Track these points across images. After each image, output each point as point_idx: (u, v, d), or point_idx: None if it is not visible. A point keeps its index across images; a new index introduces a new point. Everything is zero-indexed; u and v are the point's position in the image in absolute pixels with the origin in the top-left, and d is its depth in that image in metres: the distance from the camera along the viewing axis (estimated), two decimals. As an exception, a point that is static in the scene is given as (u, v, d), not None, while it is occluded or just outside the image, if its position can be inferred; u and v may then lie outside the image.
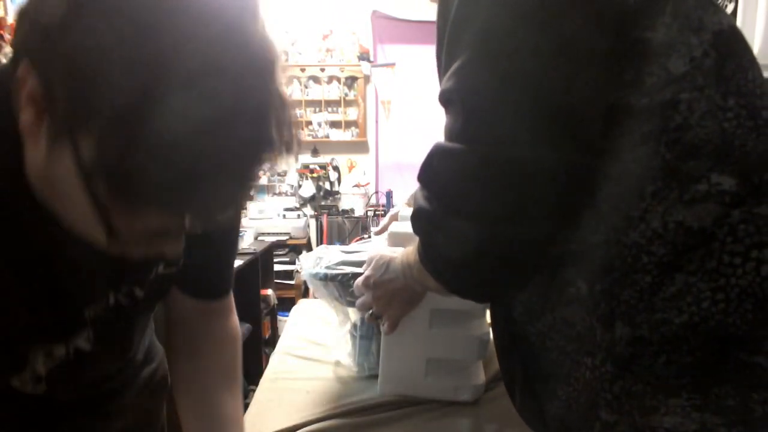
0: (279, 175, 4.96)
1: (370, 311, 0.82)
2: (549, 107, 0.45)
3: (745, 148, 0.44)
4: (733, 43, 0.48)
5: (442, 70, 0.54)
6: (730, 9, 2.35)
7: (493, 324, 0.62)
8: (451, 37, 0.50)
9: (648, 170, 0.44)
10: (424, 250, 0.56)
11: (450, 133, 0.50)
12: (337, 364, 1.02)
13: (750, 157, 0.44)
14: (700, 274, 0.42)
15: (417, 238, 0.60)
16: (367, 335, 0.93)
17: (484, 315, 0.87)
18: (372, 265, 0.78)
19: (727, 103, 0.45)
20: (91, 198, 0.40)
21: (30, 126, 0.41)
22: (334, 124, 4.97)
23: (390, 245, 0.85)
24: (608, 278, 0.45)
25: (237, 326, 0.80)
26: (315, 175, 4.97)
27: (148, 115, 0.36)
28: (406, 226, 0.87)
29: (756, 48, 2.06)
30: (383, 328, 0.83)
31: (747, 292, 0.41)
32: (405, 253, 0.73)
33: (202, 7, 0.39)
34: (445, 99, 0.50)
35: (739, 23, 2.19)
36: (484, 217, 0.47)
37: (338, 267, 0.90)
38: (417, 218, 0.55)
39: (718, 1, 2.38)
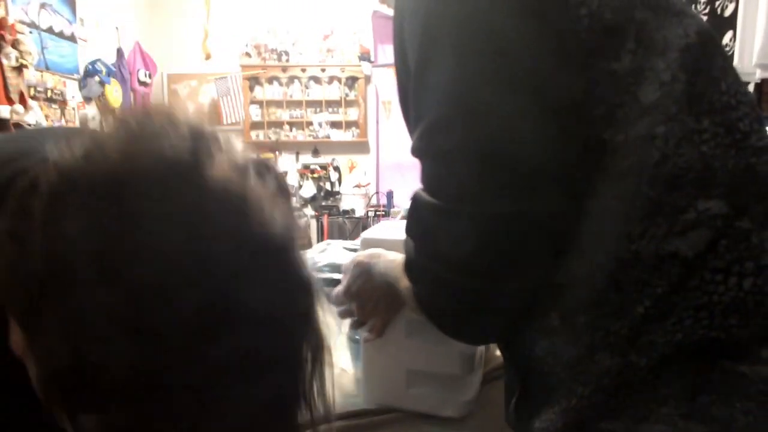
0: (280, 175, 4.96)
1: (354, 319, 0.81)
2: (525, 163, 0.44)
3: (727, 167, 0.43)
4: (701, 54, 0.46)
5: (410, 113, 0.54)
6: (730, 9, 2.35)
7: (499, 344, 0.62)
8: (416, 84, 0.49)
9: (631, 208, 0.43)
10: (418, 299, 0.56)
11: (430, 188, 0.50)
12: (342, 371, 1.01)
13: (735, 176, 0.43)
14: (683, 293, 0.42)
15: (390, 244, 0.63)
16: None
17: None
18: (351, 273, 0.75)
19: (701, 125, 0.44)
20: None
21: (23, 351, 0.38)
22: (335, 125, 4.97)
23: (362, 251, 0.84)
24: (594, 311, 0.45)
25: None
26: (315, 175, 4.97)
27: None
28: (378, 232, 0.87)
29: (756, 48, 2.06)
30: (365, 335, 0.82)
31: (731, 308, 0.41)
32: (389, 261, 0.70)
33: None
34: (419, 156, 0.51)
35: (739, 23, 2.19)
36: (476, 273, 0.47)
37: (324, 269, 0.87)
38: (409, 270, 0.55)
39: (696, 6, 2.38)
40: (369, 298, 0.75)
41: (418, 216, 0.51)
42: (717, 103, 0.45)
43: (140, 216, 0.31)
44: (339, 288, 0.78)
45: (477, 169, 0.45)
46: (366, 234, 0.87)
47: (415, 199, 0.51)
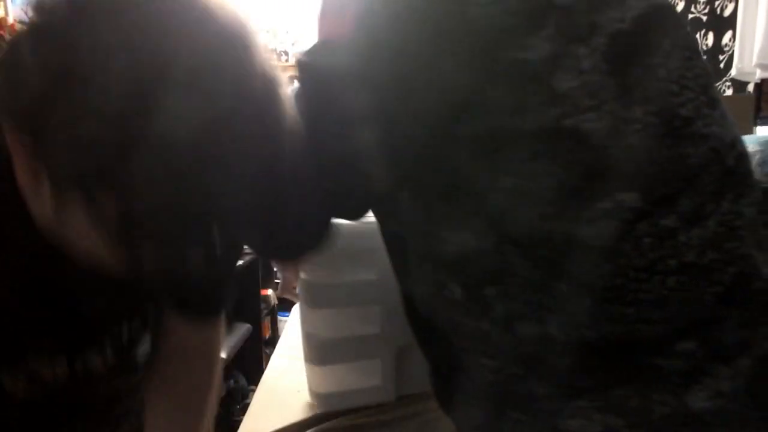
0: (279, 175, 4.95)
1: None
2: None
3: (658, 159, 0.42)
4: (636, 41, 0.43)
5: None
6: (730, 9, 2.36)
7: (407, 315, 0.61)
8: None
9: (543, 190, 0.42)
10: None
11: None
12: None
13: (662, 168, 0.42)
14: (603, 289, 0.41)
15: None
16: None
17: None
18: None
19: (633, 114, 0.42)
20: (108, 240, 0.40)
21: (29, 184, 0.42)
22: (335, 124, 4.95)
23: (317, 305, 0.84)
24: (504, 282, 0.44)
25: None
26: (315, 175, 4.96)
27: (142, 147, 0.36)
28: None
29: (756, 48, 2.06)
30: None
31: (654, 305, 0.41)
32: None
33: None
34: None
35: (739, 23, 2.19)
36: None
37: None
38: None
39: None
40: None
41: None
42: (653, 90, 0.42)
43: None
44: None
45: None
46: (312, 279, 0.84)
47: None
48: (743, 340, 0.40)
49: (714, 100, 0.44)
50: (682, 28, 0.46)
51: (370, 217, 0.69)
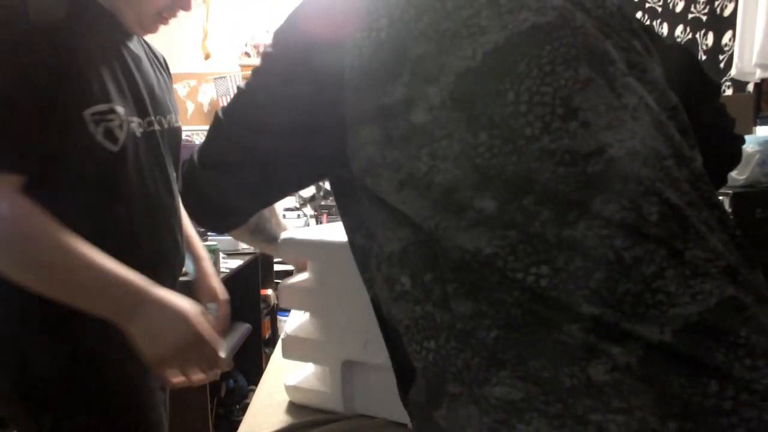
0: (279, 175, 4.96)
1: None
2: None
3: (505, 174, 0.47)
4: (488, 70, 0.49)
5: None
6: (730, 9, 2.36)
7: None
8: None
9: (420, 209, 0.49)
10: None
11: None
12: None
13: (511, 181, 0.47)
14: (487, 291, 0.46)
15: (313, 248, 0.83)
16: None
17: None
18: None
19: (478, 139, 0.47)
20: None
21: None
22: (334, 124, 4.96)
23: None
24: (437, 270, 0.49)
25: None
26: (315, 175, 4.96)
27: None
28: (300, 233, 0.88)
29: (756, 48, 2.06)
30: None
31: (535, 297, 0.45)
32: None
33: None
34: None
35: (738, 23, 2.19)
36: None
37: None
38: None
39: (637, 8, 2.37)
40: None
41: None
42: (497, 116, 0.48)
43: None
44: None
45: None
46: (286, 234, 0.88)
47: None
48: (626, 332, 0.43)
49: (574, 110, 0.48)
50: (568, 39, 0.50)
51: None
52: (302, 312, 0.93)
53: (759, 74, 2.11)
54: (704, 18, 2.54)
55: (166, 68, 1.13)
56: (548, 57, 0.49)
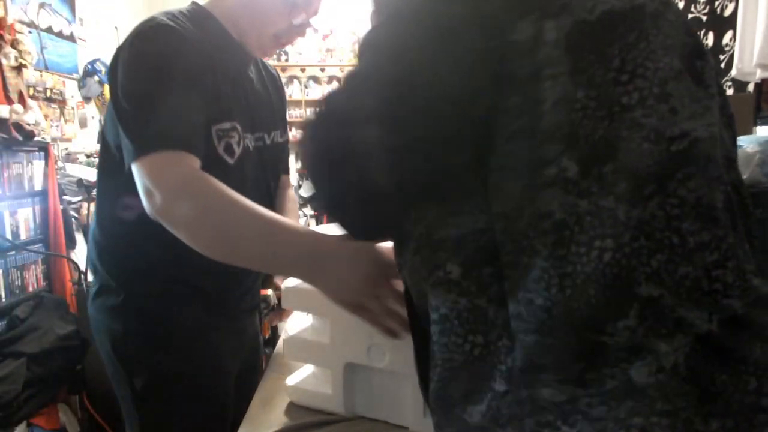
0: (279, 175, 4.97)
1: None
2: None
3: (593, 138, 0.46)
4: (601, 29, 0.48)
5: None
6: (730, 9, 2.36)
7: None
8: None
9: (521, 163, 0.48)
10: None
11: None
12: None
13: (597, 145, 0.46)
14: (551, 260, 0.46)
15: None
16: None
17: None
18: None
19: (576, 94, 0.47)
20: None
21: None
22: (334, 124, 4.96)
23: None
24: (497, 265, 0.49)
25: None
26: (315, 175, 4.97)
27: None
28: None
29: (756, 48, 2.06)
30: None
31: (591, 278, 0.45)
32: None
33: None
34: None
35: (739, 23, 2.19)
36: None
37: None
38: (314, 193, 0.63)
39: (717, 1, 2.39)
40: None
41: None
42: (599, 78, 0.47)
43: None
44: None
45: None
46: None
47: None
48: (680, 318, 0.43)
49: (666, 95, 0.48)
50: (666, 30, 0.50)
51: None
52: (303, 313, 0.93)
53: (759, 74, 2.11)
54: (704, 18, 2.54)
55: (280, 84, 1.23)
56: (654, 38, 0.49)
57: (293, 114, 4.98)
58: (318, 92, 4.95)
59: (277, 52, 4.89)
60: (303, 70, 4.92)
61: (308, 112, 4.93)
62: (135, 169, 0.83)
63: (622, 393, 0.44)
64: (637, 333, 0.44)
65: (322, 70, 4.93)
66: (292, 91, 4.97)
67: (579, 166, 0.46)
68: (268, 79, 1.17)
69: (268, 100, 1.14)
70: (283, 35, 1.04)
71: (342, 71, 4.89)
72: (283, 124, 1.20)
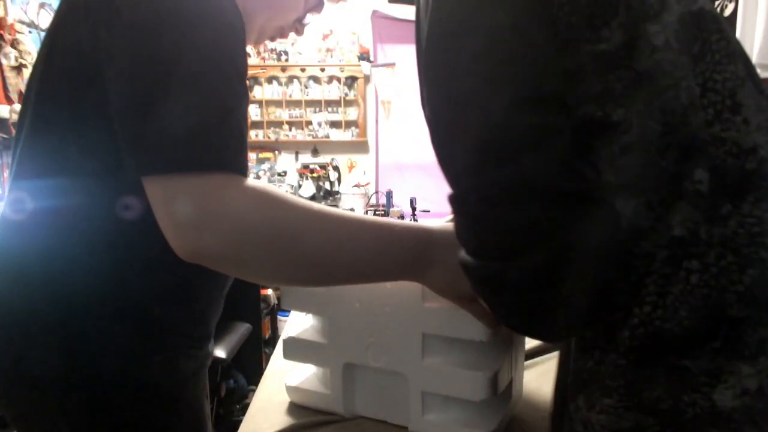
0: (279, 175, 4.97)
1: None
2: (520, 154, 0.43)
3: (724, 143, 0.43)
4: (701, 23, 0.45)
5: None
6: (730, 9, 2.35)
7: None
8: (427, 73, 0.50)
9: (643, 179, 0.43)
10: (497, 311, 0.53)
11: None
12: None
13: (730, 151, 0.43)
14: (654, 277, 0.43)
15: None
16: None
17: (496, 346, 0.79)
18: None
19: (706, 95, 0.44)
20: None
21: None
22: (334, 124, 4.97)
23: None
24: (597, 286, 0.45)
25: None
26: (315, 175, 4.97)
27: None
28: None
29: (756, 48, 2.06)
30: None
31: (680, 299, 0.42)
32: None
33: None
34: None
35: (738, 23, 2.19)
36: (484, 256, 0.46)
37: None
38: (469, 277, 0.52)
39: (716, 1, 2.39)
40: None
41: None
42: (721, 74, 0.44)
43: None
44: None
45: (473, 158, 0.45)
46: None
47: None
48: (762, 339, 0.41)
49: (738, 105, 0.45)
50: (724, 33, 0.47)
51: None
52: (303, 313, 0.93)
53: (759, 74, 2.11)
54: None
55: None
56: (716, 46, 0.46)
57: (293, 114, 4.98)
58: (318, 92, 4.95)
59: (277, 51, 4.89)
60: (303, 70, 4.92)
61: (308, 113, 4.94)
62: (159, 187, 0.59)
63: (706, 421, 0.41)
64: (720, 355, 0.42)
65: (322, 70, 4.92)
66: (292, 91, 4.97)
67: (710, 175, 0.43)
68: None
69: None
70: (287, 28, 0.92)
71: (342, 71, 4.89)
72: None
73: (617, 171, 0.43)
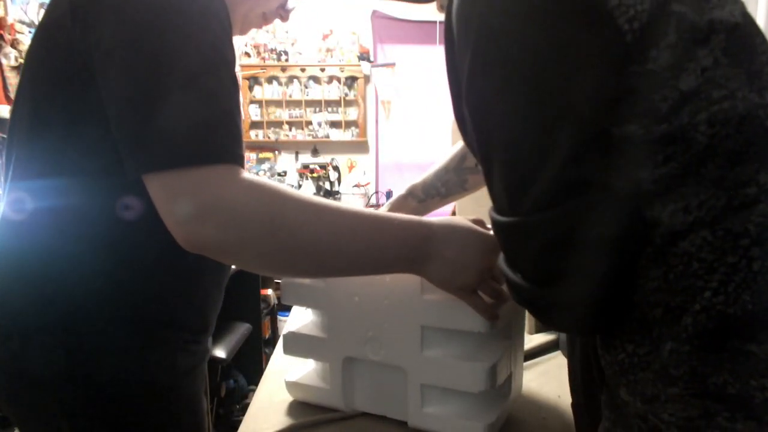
0: (279, 175, 4.97)
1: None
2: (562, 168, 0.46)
3: None
4: (750, 35, 0.46)
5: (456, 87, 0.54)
6: (730, 9, 2.35)
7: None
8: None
9: (684, 186, 0.44)
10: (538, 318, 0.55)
11: (491, 193, 0.52)
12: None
13: None
14: (708, 267, 0.43)
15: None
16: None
17: (495, 338, 0.79)
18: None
19: (765, 99, 0.44)
20: None
21: None
22: (334, 124, 4.97)
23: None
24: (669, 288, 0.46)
25: None
26: (315, 175, 4.97)
27: None
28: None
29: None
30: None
31: (743, 285, 0.42)
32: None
33: None
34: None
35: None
36: (578, 277, 0.47)
37: None
38: (517, 293, 0.54)
39: None
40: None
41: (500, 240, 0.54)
42: None
43: None
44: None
45: (511, 180, 0.47)
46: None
47: (492, 221, 0.54)
48: None
49: None
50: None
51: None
52: (303, 310, 0.93)
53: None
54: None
55: None
56: (765, 57, 0.46)
57: (293, 114, 4.98)
58: (318, 92, 4.95)
59: (277, 51, 4.90)
60: (303, 70, 4.92)
61: (308, 113, 4.94)
62: (160, 184, 0.60)
63: None
64: None
65: (322, 70, 4.93)
66: (292, 91, 4.97)
67: None
68: None
69: None
70: (271, 15, 0.90)
71: (342, 71, 4.90)
72: None
73: (656, 181, 0.44)
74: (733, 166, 0.43)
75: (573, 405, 0.67)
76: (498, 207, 0.52)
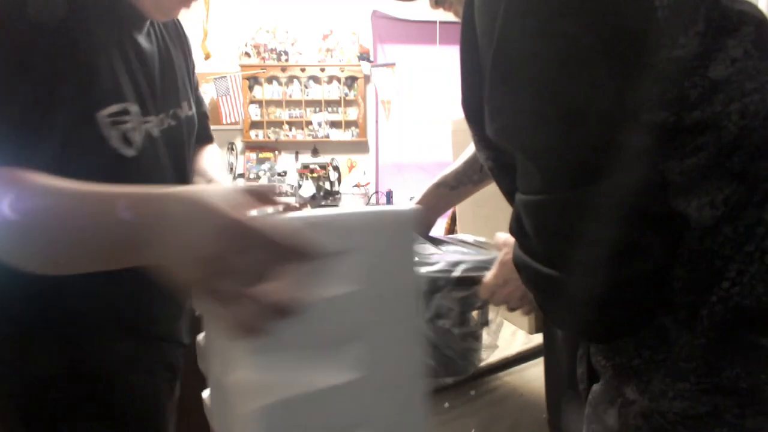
0: (279, 175, 4.96)
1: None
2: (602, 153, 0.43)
3: None
4: None
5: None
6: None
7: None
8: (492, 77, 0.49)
9: (710, 179, 0.44)
10: (545, 309, 0.54)
11: (520, 184, 0.50)
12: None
13: None
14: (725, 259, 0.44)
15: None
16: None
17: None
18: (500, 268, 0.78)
19: None
20: None
21: None
22: (334, 124, 4.97)
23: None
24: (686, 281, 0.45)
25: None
26: (315, 175, 4.97)
27: None
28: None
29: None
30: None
31: (757, 277, 0.43)
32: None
33: None
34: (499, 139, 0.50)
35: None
36: (593, 264, 0.45)
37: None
38: (528, 280, 0.52)
39: None
40: (517, 288, 0.74)
41: (515, 215, 0.51)
42: None
43: None
44: (489, 277, 0.78)
45: (552, 164, 0.45)
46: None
47: (518, 202, 0.51)
48: None
49: None
50: None
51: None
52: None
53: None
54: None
55: (184, 38, 0.96)
56: None
57: (293, 114, 4.98)
58: (318, 92, 4.95)
59: (277, 51, 4.89)
60: (303, 70, 4.92)
61: (308, 113, 4.94)
62: None
63: None
64: None
65: (322, 70, 4.92)
66: (292, 91, 4.97)
67: None
68: (169, 39, 0.89)
69: (170, 66, 0.86)
70: None
71: (342, 71, 4.89)
72: (193, 93, 0.95)
73: (683, 172, 0.44)
74: (754, 161, 0.43)
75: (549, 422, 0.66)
76: (526, 187, 0.48)
